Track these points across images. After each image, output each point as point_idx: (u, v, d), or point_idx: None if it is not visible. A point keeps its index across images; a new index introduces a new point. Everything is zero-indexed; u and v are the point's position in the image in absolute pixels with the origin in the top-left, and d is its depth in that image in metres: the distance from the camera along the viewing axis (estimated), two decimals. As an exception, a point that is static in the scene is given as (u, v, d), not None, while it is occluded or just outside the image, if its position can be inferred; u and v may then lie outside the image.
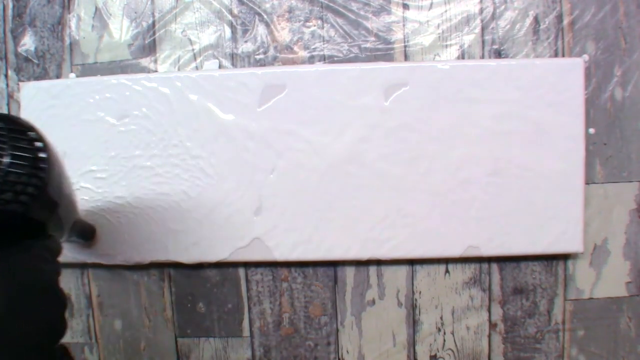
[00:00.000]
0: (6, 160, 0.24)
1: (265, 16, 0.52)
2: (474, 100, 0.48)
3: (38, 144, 0.25)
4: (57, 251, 0.30)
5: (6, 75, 0.55)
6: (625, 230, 0.52)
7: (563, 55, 0.51)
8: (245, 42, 0.53)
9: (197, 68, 0.53)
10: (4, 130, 0.25)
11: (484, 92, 0.48)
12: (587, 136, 0.50)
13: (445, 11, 0.51)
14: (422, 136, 0.49)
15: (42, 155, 0.25)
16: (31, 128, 0.25)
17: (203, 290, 0.54)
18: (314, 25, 0.52)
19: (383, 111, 0.49)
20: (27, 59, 0.55)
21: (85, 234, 0.49)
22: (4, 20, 0.55)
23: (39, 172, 0.24)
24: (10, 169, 0.24)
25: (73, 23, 0.54)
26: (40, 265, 0.28)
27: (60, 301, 0.29)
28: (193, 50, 0.53)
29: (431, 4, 0.51)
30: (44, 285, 0.28)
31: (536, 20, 0.51)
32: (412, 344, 0.54)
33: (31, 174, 0.24)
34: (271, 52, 0.53)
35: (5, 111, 0.55)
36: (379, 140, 0.49)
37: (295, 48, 0.52)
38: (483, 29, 0.51)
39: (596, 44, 0.51)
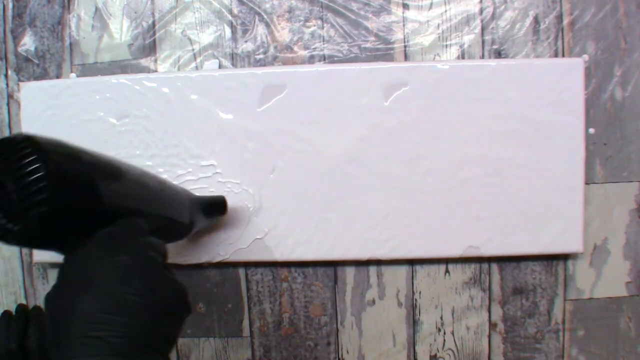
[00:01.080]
0: (10, 183, 0.24)
1: (265, 16, 0.52)
2: (474, 100, 0.48)
3: (32, 153, 0.24)
4: (139, 228, 0.30)
5: (6, 75, 0.55)
6: (625, 230, 0.52)
7: (563, 55, 0.51)
8: (245, 42, 0.53)
9: (197, 68, 0.53)
10: None
11: (484, 92, 0.48)
12: (587, 136, 0.50)
13: (445, 11, 0.51)
14: (422, 136, 0.49)
15: (38, 162, 0.24)
16: (22, 141, 0.25)
17: (203, 290, 0.54)
18: (314, 25, 0.52)
19: (383, 111, 0.49)
20: (27, 59, 0.55)
21: (214, 209, 0.47)
22: (4, 20, 0.55)
23: (42, 180, 0.24)
24: (17, 189, 0.24)
25: (73, 23, 0.54)
26: (115, 241, 0.28)
27: (154, 267, 0.28)
28: (193, 50, 0.53)
29: (431, 4, 0.51)
30: (126, 256, 0.27)
31: (536, 20, 0.51)
32: (412, 344, 0.54)
33: (37, 184, 0.24)
34: (271, 52, 0.53)
35: (5, 111, 0.55)
36: (379, 140, 0.49)
37: (295, 48, 0.52)
38: (483, 29, 0.51)
39: (596, 44, 0.51)
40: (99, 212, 0.28)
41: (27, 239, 0.25)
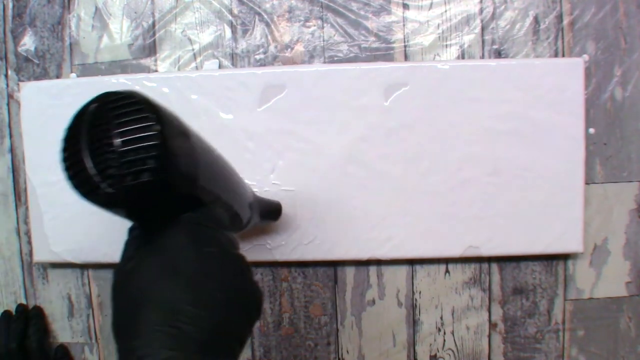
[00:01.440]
0: (117, 141, 0.22)
1: (265, 16, 0.52)
2: (474, 100, 0.48)
3: (150, 118, 0.23)
4: (217, 219, 0.28)
5: (6, 75, 0.55)
6: (625, 230, 0.52)
7: (563, 55, 0.51)
8: (246, 42, 0.53)
9: (197, 68, 0.53)
10: (110, 110, 0.23)
11: (484, 92, 0.48)
12: (587, 136, 0.50)
13: (445, 11, 0.51)
14: (422, 136, 0.49)
15: (155, 129, 0.23)
16: (142, 102, 0.23)
17: (203, 290, 0.54)
18: (314, 25, 0.52)
19: (383, 111, 0.49)
20: (27, 59, 0.55)
21: (270, 213, 0.46)
22: (4, 20, 0.55)
23: (153, 149, 0.22)
24: (123, 149, 0.22)
25: (73, 23, 0.54)
26: (203, 230, 0.26)
27: (240, 265, 0.27)
28: (193, 50, 0.53)
29: (431, 4, 0.51)
30: (216, 248, 0.26)
31: (536, 20, 0.51)
32: (412, 344, 0.54)
33: (146, 151, 0.22)
34: (271, 52, 0.53)
35: (5, 111, 0.55)
36: (379, 140, 0.49)
37: (296, 48, 0.52)
38: (483, 29, 0.51)
39: (596, 44, 0.51)
40: (189, 194, 0.26)
41: (112, 203, 0.24)
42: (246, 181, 0.38)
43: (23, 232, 0.56)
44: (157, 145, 0.22)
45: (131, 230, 0.27)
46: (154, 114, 0.23)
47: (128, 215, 0.26)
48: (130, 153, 0.22)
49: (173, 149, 0.24)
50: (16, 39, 0.55)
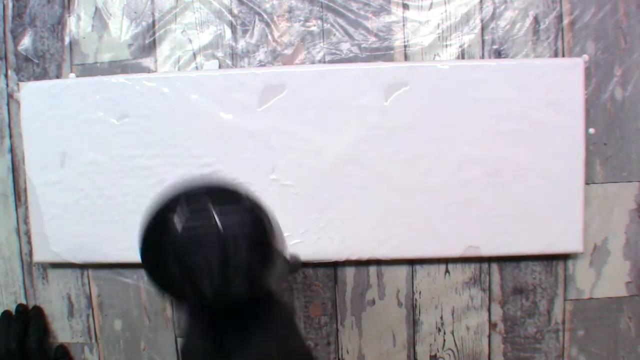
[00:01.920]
0: (227, 252, 0.21)
1: (265, 16, 0.52)
2: (474, 100, 0.48)
3: (264, 235, 0.22)
4: (292, 311, 0.30)
5: (6, 75, 0.55)
6: (625, 230, 0.52)
7: (563, 55, 0.51)
8: (245, 42, 0.53)
9: (197, 68, 0.53)
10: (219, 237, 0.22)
11: (484, 92, 0.48)
12: (587, 136, 0.50)
13: (445, 11, 0.51)
14: (422, 136, 0.49)
15: (268, 246, 0.22)
16: (256, 211, 0.22)
17: (203, 290, 0.54)
18: (314, 25, 0.52)
19: (383, 111, 0.49)
20: (27, 59, 0.55)
21: (294, 267, 0.47)
22: (4, 20, 0.55)
23: (261, 263, 0.22)
24: (230, 260, 0.21)
25: (73, 23, 0.54)
26: (282, 330, 0.27)
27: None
28: (193, 50, 0.53)
29: (431, 4, 0.51)
30: (294, 349, 0.27)
31: (536, 20, 0.51)
32: (412, 344, 0.54)
33: (253, 268, 0.22)
34: (271, 52, 0.53)
35: (5, 111, 0.55)
36: (379, 140, 0.49)
37: (296, 48, 0.52)
38: (483, 29, 0.51)
39: (596, 44, 0.51)
40: (268, 296, 0.27)
41: (202, 307, 0.23)
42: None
43: (23, 232, 0.56)
44: (266, 261, 0.22)
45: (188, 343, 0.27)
46: (269, 226, 0.22)
47: (206, 319, 0.25)
48: (235, 266, 0.21)
49: (275, 263, 0.23)
50: (16, 39, 0.55)
